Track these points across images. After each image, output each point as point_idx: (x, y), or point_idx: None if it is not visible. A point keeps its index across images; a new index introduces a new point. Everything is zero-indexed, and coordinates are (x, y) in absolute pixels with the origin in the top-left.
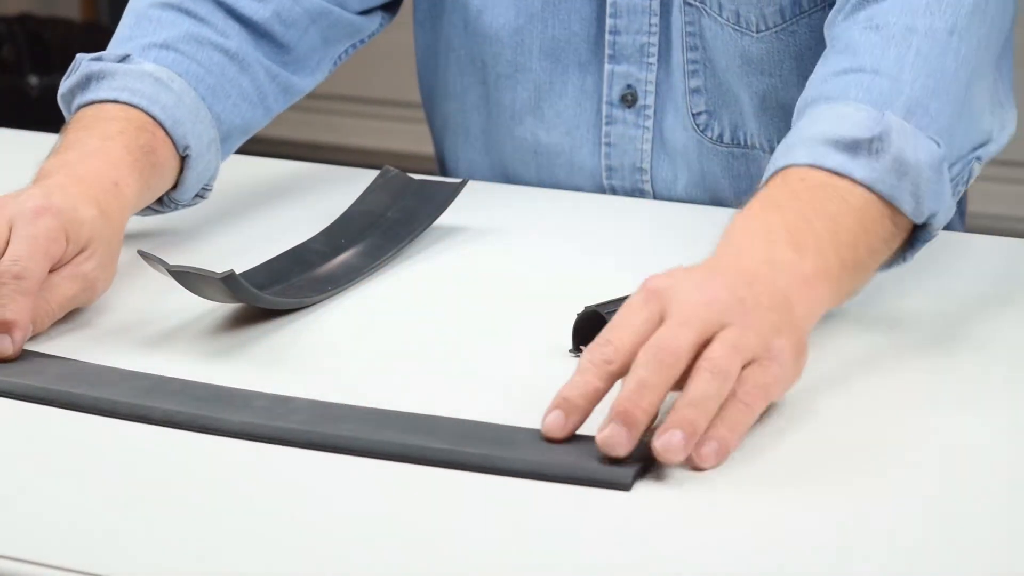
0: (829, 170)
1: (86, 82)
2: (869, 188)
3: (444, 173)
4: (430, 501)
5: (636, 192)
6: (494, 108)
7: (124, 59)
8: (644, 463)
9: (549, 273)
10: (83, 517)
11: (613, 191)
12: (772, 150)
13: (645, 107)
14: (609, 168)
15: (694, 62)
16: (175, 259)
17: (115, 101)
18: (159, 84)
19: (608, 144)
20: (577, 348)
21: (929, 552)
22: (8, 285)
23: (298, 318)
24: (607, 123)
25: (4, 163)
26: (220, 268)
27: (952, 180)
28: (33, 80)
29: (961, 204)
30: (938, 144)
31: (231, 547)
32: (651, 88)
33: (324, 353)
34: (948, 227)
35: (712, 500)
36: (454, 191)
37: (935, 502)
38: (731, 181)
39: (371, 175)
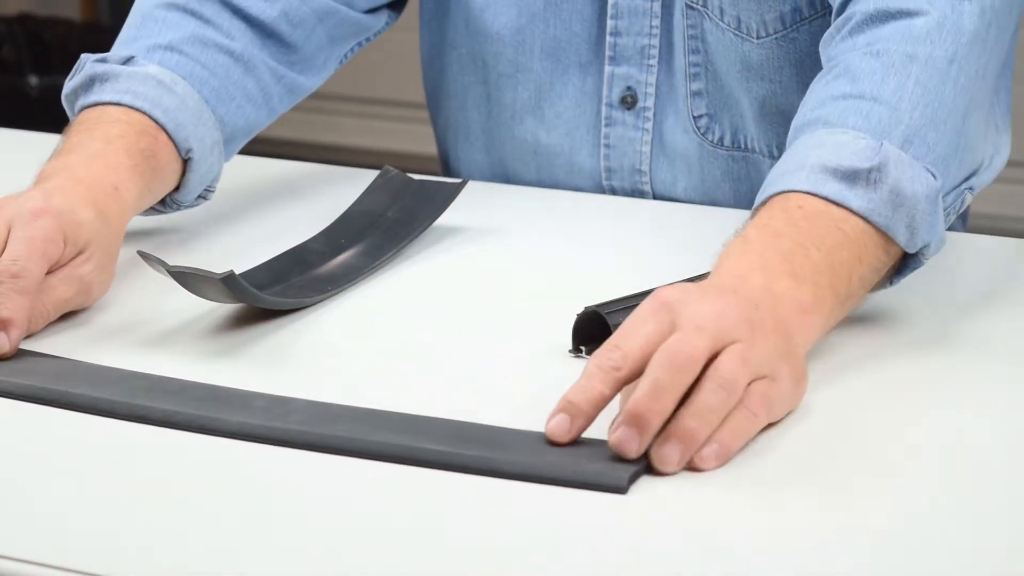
0: (826, 198)
1: (90, 83)
2: (865, 218)
3: (447, 173)
4: (426, 502)
5: (636, 193)
6: (494, 108)
7: (128, 61)
8: (640, 467)
9: (549, 273)
10: (82, 517)
11: (613, 192)
12: (772, 154)
13: (645, 109)
14: (608, 169)
15: (696, 65)
16: (175, 259)
17: (118, 104)
18: (162, 87)
19: (607, 145)
20: (577, 348)
21: (929, 552)
22: (6, 284)
23: (298, 318)
24: (606, 124)
25: (4, 163)
26: (220, 268)
27: (945, 210)
28: (33, 80)
29: None
30: (934, 176)
31: (230, 547)
32: (651, 90)
33: (324, 353)
34: (948, 227)
35: (709, 501)
36: (454, 191)
37: (935, 502)
38: (731, 184)
39: (371, 175)
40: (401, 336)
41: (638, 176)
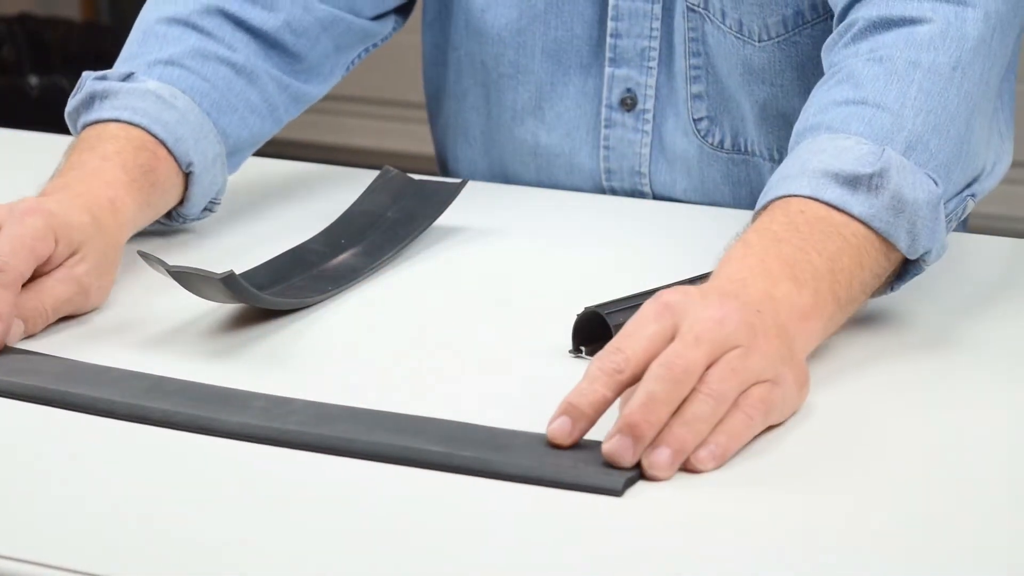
0: (827, 203)
1: (90, 101)
2: (866, 224)
3: (445, 175)
4: (424, 503)
5: (635, 195)
6: (494, 108)
7: (128, 77)
8: (636, 470)
9: (549, 273)
10: (82, 517)
11: (613, 193)
12: (772, 158)
13: (644, 111)
14: (608, 171)
15: (696, 68)
16: (175, 259)
17: (117, 120)
18: (161, 102)
19: (607, 147)
20: (577, 348)
21: (929, 552)
22: None
23: (298, 318)
24: (606, 126)
25: (4, 163)
26: (220, 268)
27: (946, 216)
28: (33, 80)
29: None
30: (936, 182)
31: (230, 547)
32: (651, 92)
33: (324, 353)
34: None
35: (707, 502)
36: (454, 191)
37: (935, 502)
38: (731, 187)
39: (371, 175)
40: (401, 336)
41: (638, 178)
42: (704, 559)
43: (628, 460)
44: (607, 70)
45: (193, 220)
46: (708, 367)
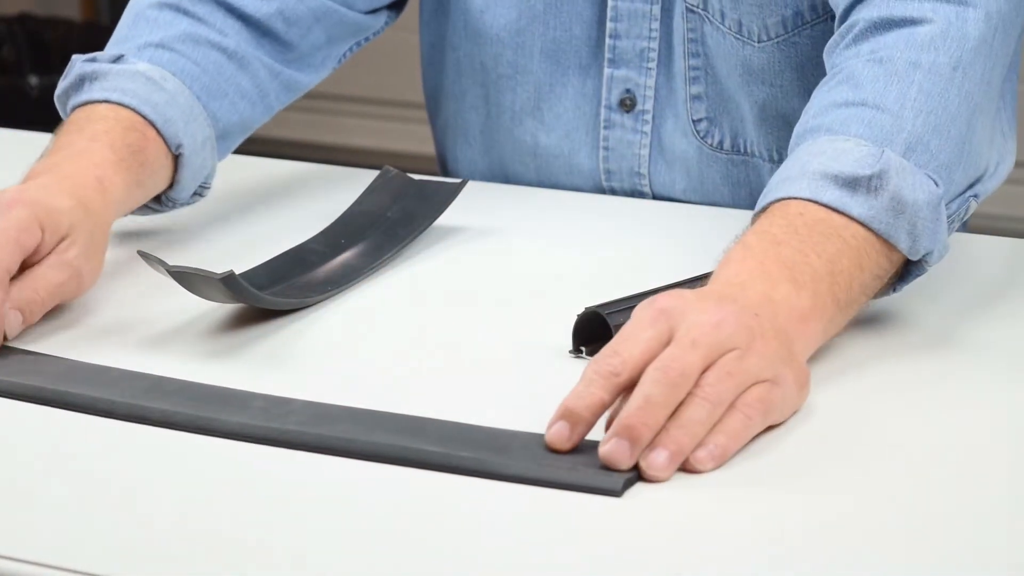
0: (826, 205)
1: (80, 83)
2: (866, 225)
3: (445, 175)
4: (422, 504)
5: (635, 195)
6: (494, 109)
7: (118, 59)
8: (635, 472)
9: (549, 273)
10: (82, 517)
11: (613, 193)
12: (771, 159)
13: (644, 112)
14: (608, 171)
15: (695, 68)
16: (175, 259)
17: (106, 101)
18: (151, 83)
19: (606, 148)
20: (577, 349)
21: (929, 552)
22: None
23: (298, 318)
24: (605, 127)
25: (4, 163)
26: (220, 268)
27: (949, 217)
28: (33, 80)
29: None
30: (936, 183)
31: (229, 547)
32: (650, 93)
33: (323, 353)
34: None
35: (706, 502)
36: (454, 191)
37: (934, 502)
38: (730, 188)
39: (371, 175)
40: (401, 336)
41: (637, 178)
42: (704, 559)
43: (625, 463)
44: (606, 71)
45: (183, 204)
46: (704, 370)
